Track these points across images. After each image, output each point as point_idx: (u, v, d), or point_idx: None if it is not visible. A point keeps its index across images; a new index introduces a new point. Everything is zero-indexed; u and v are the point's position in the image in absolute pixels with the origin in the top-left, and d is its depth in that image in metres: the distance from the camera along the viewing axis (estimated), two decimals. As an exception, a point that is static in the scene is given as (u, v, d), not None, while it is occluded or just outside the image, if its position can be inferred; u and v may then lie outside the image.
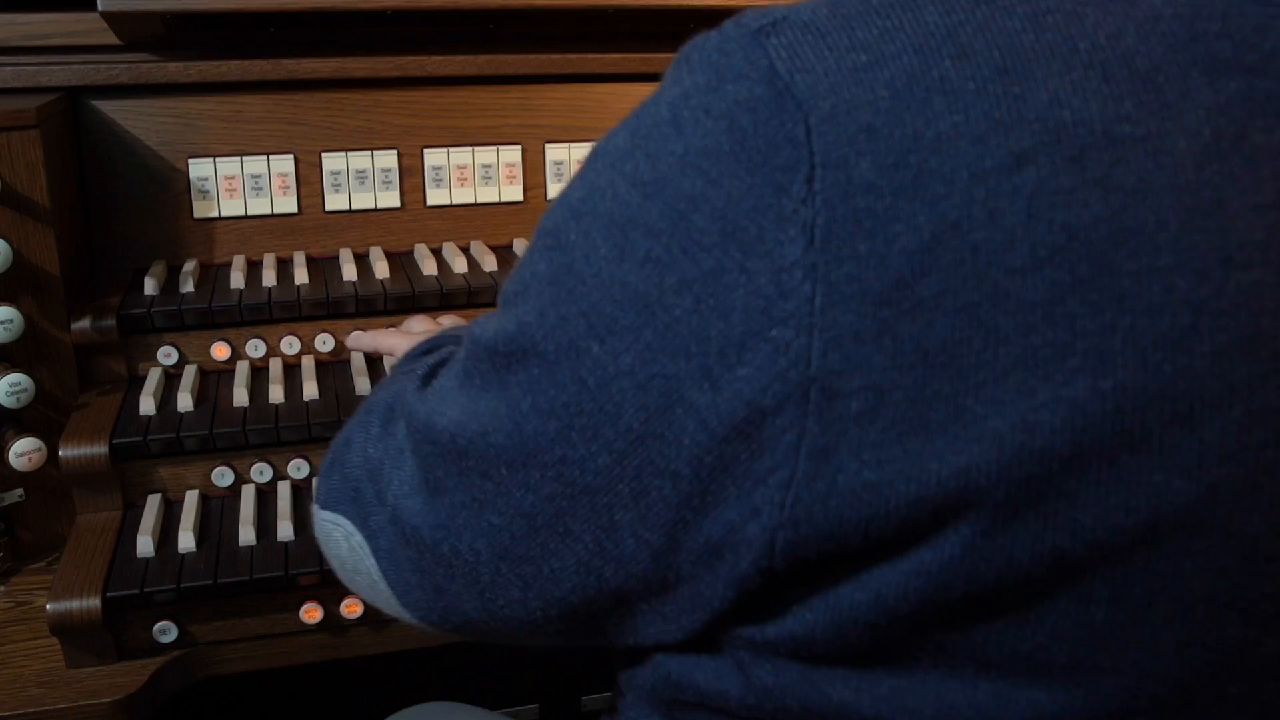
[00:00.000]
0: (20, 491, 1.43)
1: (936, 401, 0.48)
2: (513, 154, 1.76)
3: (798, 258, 0.48)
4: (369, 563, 0.75)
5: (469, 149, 1.74)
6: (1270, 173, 0.47)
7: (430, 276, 1.60)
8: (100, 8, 1.44)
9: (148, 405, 1.41)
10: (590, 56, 1.73)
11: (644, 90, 1.75)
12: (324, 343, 1.56)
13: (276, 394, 1.45)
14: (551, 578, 0.61)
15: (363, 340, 1.37)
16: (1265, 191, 0.47)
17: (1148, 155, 0.47)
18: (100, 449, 1.34)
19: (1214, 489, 0.47)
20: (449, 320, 1.36)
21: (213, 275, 1.60)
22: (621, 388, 0.54)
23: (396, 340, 1.27)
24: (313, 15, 1.54)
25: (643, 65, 1.76)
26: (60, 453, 1.33)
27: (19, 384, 1.34)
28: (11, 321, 1.32)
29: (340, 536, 0.80)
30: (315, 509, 0.85)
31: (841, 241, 0.47)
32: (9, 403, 1.33)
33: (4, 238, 1.32)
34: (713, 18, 1.79)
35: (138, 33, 1.55)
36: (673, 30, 1.77)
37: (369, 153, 1.70)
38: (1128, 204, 0.46)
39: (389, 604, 0.75)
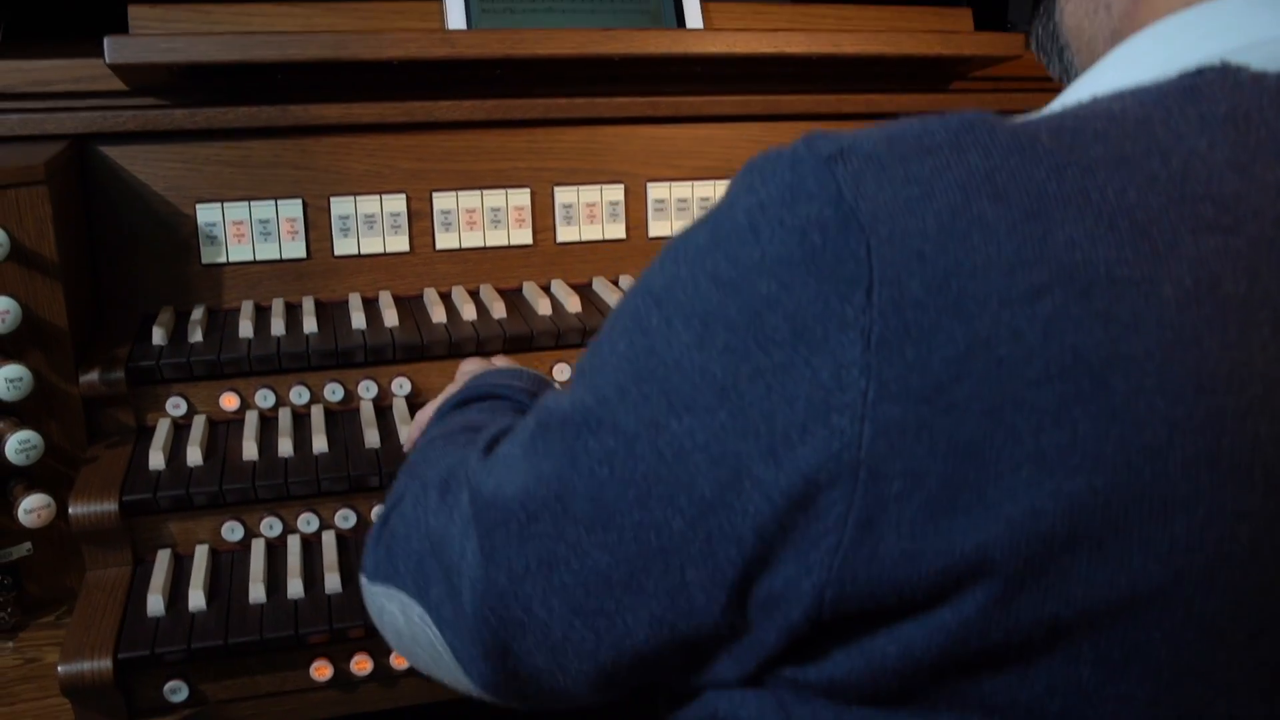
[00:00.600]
0: (28, 545, 1.42)
1: (963, 487, 0.56)
2: (522, 197, 1.75)
3: (855, 358, 0.56)
4: (431, 633, 0.79)
5: (477, 192, 1.73)
6: (1235, 318, 0.56)
7: (439, 325, 1.59)
8: (108, 60, 1.44)
9: (157, 460, 1.40)
10: (598, 100, 1.72)
11: (652, 132, 1.76)
12: (333, 392, 1.55)
13: (286, 447, 1.45)
14: (625, 630, 0.68)
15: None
16: (1231, 333, 0.56)
17: (1140, 296, 0.56)
18: (110, 506, 1.34)
19: (1180, 574, 0.57)
20: (501, 361, 1.37)
21: (221, 322, 1.60)
22: (696, 461, 0.61)
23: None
24: (320, 65, 1.53)
25: (650, 109, 1.75)
26: (70, 510, 1.33)
27: (28, 441, 1.33)
28: (20, 380, 1.31)
29: (396, 609, 0.83)
30: (365, 581, 0.88)
31: (892, 347, 0.56)
32: (18, 460, 1.33)
33: (13, 297, 1.32)
34: (713, 64, 1.80)
35: (145, 81, 1.55)
36: (678, 73, 1.77)
37: (377, 197, 1.69)
38: (1122, 335, 0.55)
39: (452, 674, 0.79)
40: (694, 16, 1.73)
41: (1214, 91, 0.61)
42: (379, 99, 1.65)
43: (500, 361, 1.37)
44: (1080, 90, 0.72)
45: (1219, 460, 0.56)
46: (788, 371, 0.58)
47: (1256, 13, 0.67)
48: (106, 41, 1.43)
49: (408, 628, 0.82)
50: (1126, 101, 0.62)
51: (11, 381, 1.31)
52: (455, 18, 1.64)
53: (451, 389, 1.20)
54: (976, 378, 0.55)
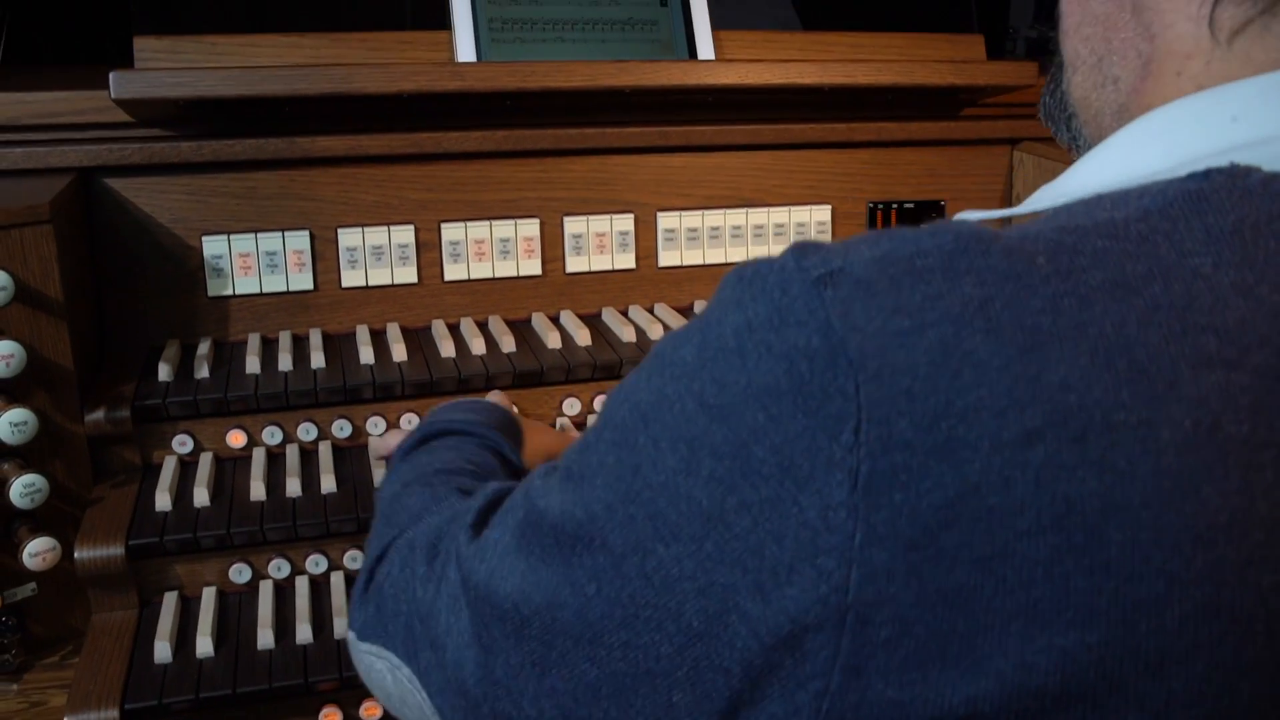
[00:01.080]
0: (33, 586, 1.40)
1: (952, 637, 0.54)
2: (531, 227, 1.73)
3: (843, 499, 0.54)
4: (420, 696, 0.78)
5: (486, 223, 1.72)
6: (1236, 462, 0.54)
7: (448, 360, 1.58)
8: (114, 95, 1.42)
9: (163, 501, 1.39)
10: (609, 130, 1.71)
11: (662, 161, 1.75)
12: (341, 429, 1.54)
13: (294, 487, 1.43)
14: None
15: (384, 444, 1.38)
16: (1232, 479, 0.54)
17: (1137, 441, 0.53)
18: (116, 550, 1.32)
19: None
20: (497, 397, 1.38)
21: (227, 356, 1.58)
22: (684, 589, 0.59)
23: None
24: (329, 99, 1.51)
25: (660, 139, 1.73)
26: (76, 555, 1.31)
27: (33, 485, 1.31)
28: (25, 423, 1.30)
29: (384, 669, 0.82)
30: (353, 638, 0.86)
31: (880, 490, 0.54)
32: (23, 504, 1.31)
33: (17, 340, 1.30)
34: (725, 94, 1.79)
35: (151, 114, 1.53)
36: (689, 102, 1.75)
37: (385, 228, 1.68)
38: (1117, 484, 0.53)
39: None
40: (705, 46, 1.72)
41: (1221, 200, 0.59)
42: (387, 130, 1.63)
43: (496, 397, 1.38)
44: (1085, 176, 0.70)
45: (1219, 613, 0.54)
46: (775, 507, 0.56)
47: (1268, 101, 0.64)
48: (112, 77, 1.42)
49: (396, 688, 0.81)
50: (1130, 209, 0.60)
51: (16, 425, 1.29)
52: (465, 49, 1.63)
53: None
54: (966, 526, 0.53)
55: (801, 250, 0.59)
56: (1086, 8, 0.74)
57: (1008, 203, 1.96)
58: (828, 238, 1.88)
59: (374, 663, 0.83)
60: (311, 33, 1.59)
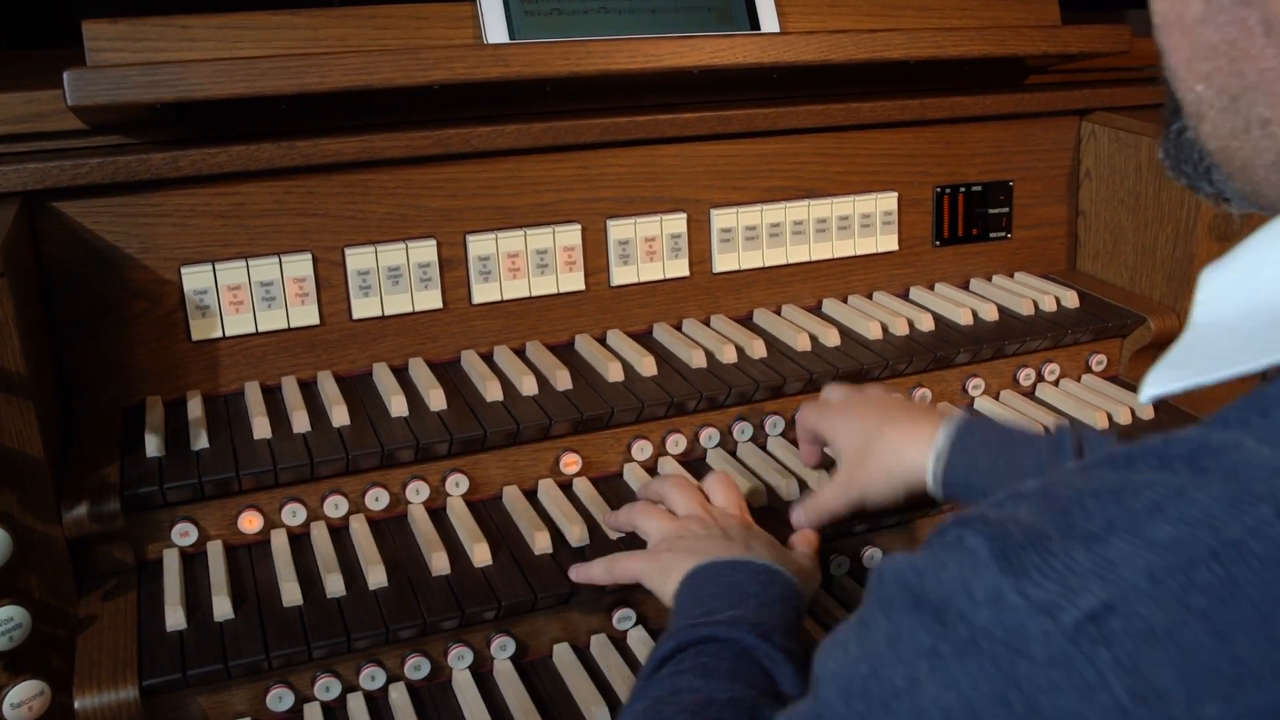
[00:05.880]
0: (10, 732, 1.10)
1: None
2: (571, 234, 1.46)
3: None
4: None
5: (519, 232, 1.44)
6: None
7: (496, 406, 1.31)
8: (70, 101, 1.11)
9: (175, 618, 1.10)
10: (661, 118, 1.44)
11: (718, 149, 1.48)
12: (377, 499, 1.26)
13: (335, 585, 1.15)
14: None
15: (621, 520, 1.21)
16: None
17: None
18: (128, 693, 1.03)
19: None
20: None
21: (225, 415, 1.28)
22: None
23: (642, 566, 1.11)
24: (344, 94, 1.21)
25: (720, 125, 1.47)
26: (76, 704, 1.02)
27: (10, 619, 1.01)
28: (-3, 543, 0.99)
29: None
30: None
31: None
32: (1, 644, 1.01)
33: (-19, 436, 0.99)
34: (795, 71, 1.55)
35: (111, 119, 1.21)
36: (751, 79, 1.50)
37: (402, 244, 1.39)
38: None
39: None
40: (768, 14, 1.46)
41: None
42: (404, 127, 1.34)
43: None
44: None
45: None
46: None
47: None
48: (67, 78, 1.10)
49: None
50: None
51: (-14, 548, 0.99)
52: (495, 27, 1.34)
53: (660, 572, 1.07)
54: None
55: (1042, 588, 0.43)
56: (1195, 39, 0.55)
57: (1075, 180, 1.76)
58: (894, 229, 1.65)
59: None
60: (306, 9, 1.28)
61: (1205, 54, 0.55)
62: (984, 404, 1.55)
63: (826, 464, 1.33)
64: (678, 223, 1.52)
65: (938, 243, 1.69)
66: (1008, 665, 0.42)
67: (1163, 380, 0.52)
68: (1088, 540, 0.42)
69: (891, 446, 1.10)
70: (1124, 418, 1.51)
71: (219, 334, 1.32)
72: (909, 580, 0.48)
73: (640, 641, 1.23)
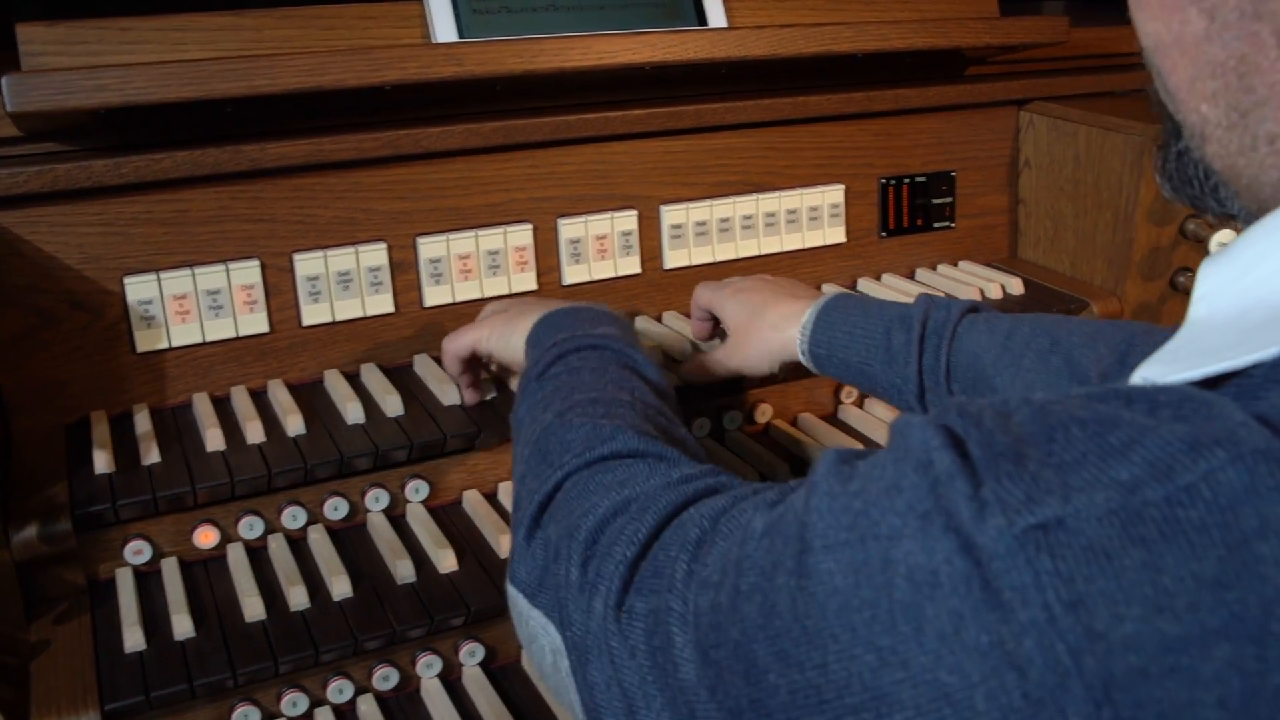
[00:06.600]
0: (-40, 764, 1.06)
1: None
2: (522, 234, 1.45)
3: None
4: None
5: (471, 233, 1.42)
6: None
7: (453, 409, 1.29)
8: (9, 107, 1.07)
9: (134, 639, 1.07)
10: (613, 115, 1.43)
11: (667, 145, 1.48)
12: (336, 509, 1.24)
13: (299, 598, 1.13)
14: None
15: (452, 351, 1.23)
16: None
17: None
18: (88, 720, 1.00)
19: None
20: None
21: (174, 428, 1.25)
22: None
23: (479, 333, 1.18)
24: (292, 97, 1.18)
25: (670, 121, 1.47)
26: (34, 736, 0.99)
27: (-38, 648, 0.98)
28: (-54, 569, 0.96)
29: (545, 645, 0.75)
30: (514, 594, 0.78)
31: None
32: (-50, 675, 0.97)
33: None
34: (744, 66, 1.57)
35: (49, 125, 1.17)
36: (700, 74, 1.50)
37: (352, 248, 1.36)
38: None
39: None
40: (715, 10, 1.46)
41: None
42: (354, 130, 1.31)
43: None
44: None
45: None
46: None
47: None
48: (5, 83, 1.06)
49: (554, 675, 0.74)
50: None
51: (-65, 574, 0.95)
52: (444, 26, 1.32)
53: (504, 331, 1.14)
54: None
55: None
56: (1199, 57, 0.55)
57: (1015, 169, 1.79)
58: (842, 221, 1.66)
59: (537, 634, 0.74)
60: (250, 10, 1.25)
61: (1210, 72, 0.54)
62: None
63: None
64: (629, 220, 1.51)
65: (884, 234, 1.71)
66: (970, 549, 0.46)
67: (1155, 375, 0.53)
68: (1060, 467, 0.45)
69: (770, 321, 1.20)
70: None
71: (165, 345, 1.29)
72: (925, 443, 0.50)
73: (610, 642, 1.22)
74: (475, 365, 1.25)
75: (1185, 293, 1.61)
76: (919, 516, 0.48)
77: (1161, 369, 0.53)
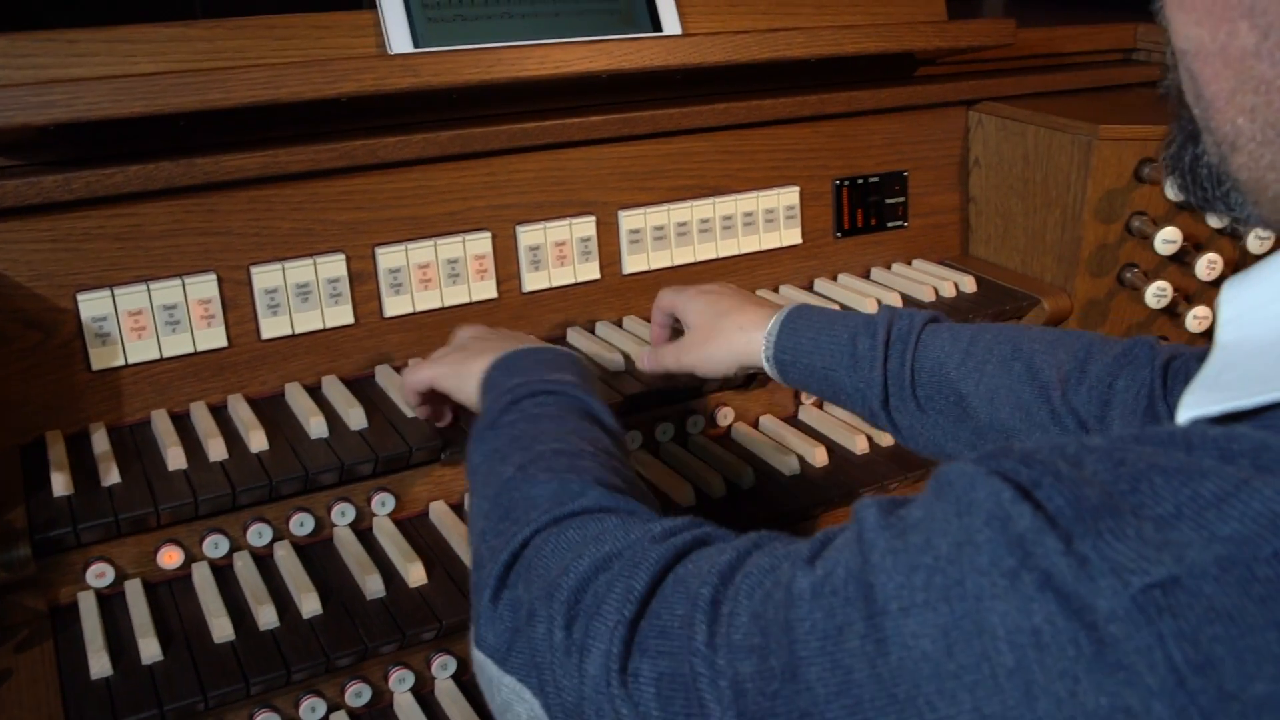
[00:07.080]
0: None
1: None
2: (481, 242, 1.44)
3: None
4: None
5: (430, 242, 1.41)
6: None
7: (415, 422, 1.28)
8: (-42, 124, 1.04)
9: (100, 665, 1.05)
10: (569, 122, 1.43)
11: (623, 151, 1.49)
12: (301, 524, 1.23)
13: (268, 616, 1.12)
14: None
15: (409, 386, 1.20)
16: None
17: None
18: (56, 750, 0.98)
19: None
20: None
21: (133, 447, 1.23)
22: None
23: (436, 370, 1.15)
24: (247, 110, 1.17)
25: (625, 127, 1.47)
26: (0, 767, 0.97)
27: (-77, 680, 0.96)
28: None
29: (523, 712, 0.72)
30: (482, 660, 0.74)
31: None
32: (-88, 708, 0.95)
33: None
34: (698, 71, 1.57)
35: (-2, 141, 1.15)
36: (655, 80, 1.50)
37: (310, 260, 1.35)
38: None
39: None
40: (669, 16, 1.46)
41: None
42: (309, 141, 1.29)
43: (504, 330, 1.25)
44: None
45: None
46: None
47: None
48: (-47, 100, 1.03)
49: None
50: None
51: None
52: (399, 35, 1.31)
53: (459, 370, 1.11)
54: None
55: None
56: (1244, 72, 0.54)
57: (965, 168, 1.82)
58: (797, 222, 1.68)
59: (512, 702, 0.72)
60: (200, 21, 1.23)
61: (1254, 87, 0.53)
62: (893, 391, 1.59)
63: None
64: (587, 226, 1.51)
65: (839, 234, 1.72)
66: (1079, 612, 0.44)
67: (1199, 403, 0.52)
68: (1158, 521, 0.44)
69: (736, 323, 1.20)
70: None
71: (121, 362, 1.26)
72: (995, 496, 0.48)
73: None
74: (435, 398, 1.22)
75: (1132, 288, 1.64)
76: (1005, 575, 0.46)
77: (1205, 397, 0.53)
